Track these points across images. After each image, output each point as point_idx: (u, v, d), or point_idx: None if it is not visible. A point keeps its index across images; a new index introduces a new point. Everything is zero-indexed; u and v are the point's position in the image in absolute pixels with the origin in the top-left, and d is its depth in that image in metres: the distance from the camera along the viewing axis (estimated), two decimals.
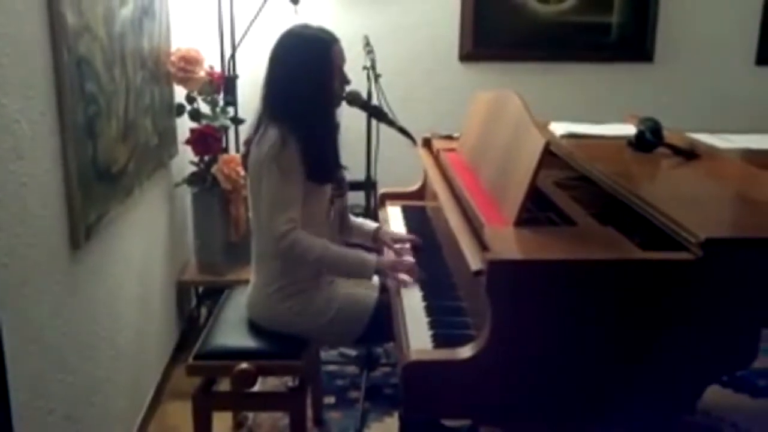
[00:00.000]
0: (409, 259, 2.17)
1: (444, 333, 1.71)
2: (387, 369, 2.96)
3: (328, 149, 2.16)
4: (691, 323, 1.52)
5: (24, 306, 1.64)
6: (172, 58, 2.91)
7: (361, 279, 2.22)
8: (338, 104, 2.21)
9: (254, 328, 2.20)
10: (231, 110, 3.22)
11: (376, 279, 2.28)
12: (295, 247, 2.03)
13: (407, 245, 2.29)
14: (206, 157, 3.10)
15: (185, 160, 3.18)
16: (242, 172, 2.85)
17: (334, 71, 2.14)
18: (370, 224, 2.43)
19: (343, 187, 2.25)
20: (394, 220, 2.58)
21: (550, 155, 1.85)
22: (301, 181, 2.06)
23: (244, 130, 2.61)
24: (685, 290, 1.50)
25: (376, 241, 2.36)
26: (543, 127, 2.18)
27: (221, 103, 3.15)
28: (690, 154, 2.26)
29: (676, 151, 2.29)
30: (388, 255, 2.26)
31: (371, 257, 2.13)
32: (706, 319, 1.53)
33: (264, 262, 2.19)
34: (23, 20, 1.65)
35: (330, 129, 2.18)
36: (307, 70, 2.08)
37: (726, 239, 1.51)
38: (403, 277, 2.04)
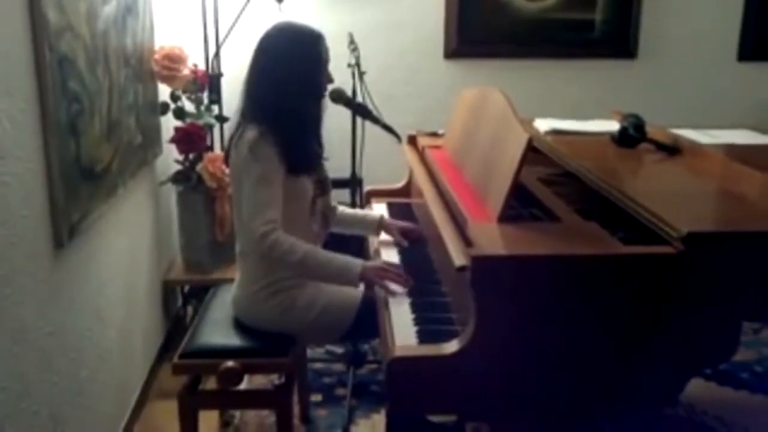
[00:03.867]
0: (396, 264, 2.12)
1: (429, 329, 1.72)
2: (374, 366, 2.96)
3: (309, 140, 2.16)
4: (673, 317, 1.54)
5: (7, 306, 1.63)
6: (156, 56, 2.89)
7: (345, 283, 2.10)
8: (320, 100, 2.21)
9: (240, 326, 2.20)
10: (215, 108, 3.21)
11: None
12: (275, 249, 1.99)
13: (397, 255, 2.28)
14: (191, 156, 3.09)
15: (170, 158, 3.17)
16: (227, 170, 2.85)
17: (322, 65, 2.15)
18: (374, 214, 2.44)
19: (325, 186, 2.25)
20: None
21: (534, 151, 1.87)
22: (280, 179, 2.05)
23: (229, 128, 2.61)
24: (667, 284, 1.52)
25: (380, 230, 2.37)
26: (526, 124, 2.19)
27: (206, 101, 3.14)
28: (673, 149, 2.28)
29: (659, 146, 2.31)
30: (375, 262, 2.17)
31: (357, 263, 2.04)
32: (687, 312, 1.54)
33: (248, 260, 2.18)
34: (3, 18, 1.64)
35: (313, 122, 2.18)
36: (296, 64, 2.07)
37: (707, 233, 1.53)
38: (393, 286, 1.95)
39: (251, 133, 2.03)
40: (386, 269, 2.02)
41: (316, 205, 2.20)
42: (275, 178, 2.03)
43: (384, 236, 2.40)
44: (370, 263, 2.09)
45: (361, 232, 2.41)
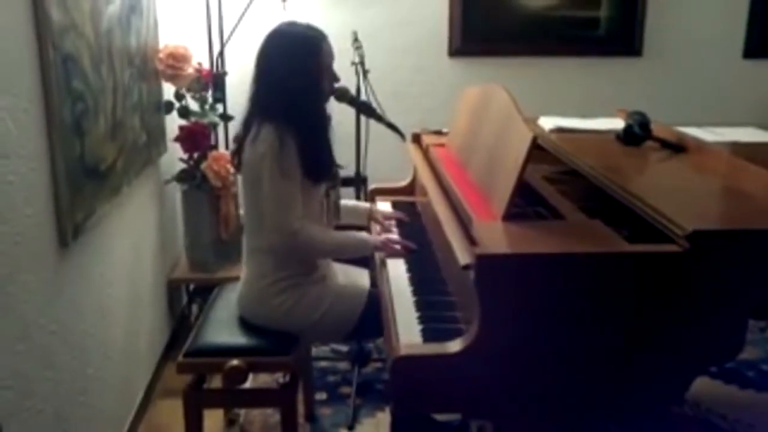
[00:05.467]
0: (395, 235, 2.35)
1: (433, 327, 1.71)
2: (378, 364, 2.96)
3: (324, 148, 2.17)
4: (678, 315, 1.53)
5: (11, 305, 1.63)
6: (160, 55, 2.89)
7: (363, 255, 2.33)
8: (326, 101, 2.21)
9: (245, 324, 2.20)
10: (220, 107, 3.21)
11: (366, 275, 2.32)
12: (306, 242, 2.08)
13: (393, 221, 2.46)
14: (195, 155, 3.09)
15: (174, 157, 3.17)
16: (232, 170, 2.85)
17: (324, 69, 2.15)
18: (363, 205, 2.54)
19: (336, 180, 2.27)
20: None
21: (538, 150, 1.86)
22: (299, 179, 2.07)
23: (234, 127, 2.61)
24: (673, 282, 1.51)
25: (371, 220, 2.48)
26: (531, 122, 2.18)
27: (210, 100, 3.14)
28: (678, 147, 2.27)
29: (664, 144, 2.30)
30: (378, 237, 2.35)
31: (366, 235, 2.29)
32: (693, 311, 1.53)
33: (256, 258, 2.18)
34: (7, 18, 1.64)
35: (322, 125, 2.18)
36: (298, 70, 2.07)
37: (713, 231, 1.52)
38: (397, 246, 2.20)
39: (269, 132, 2.04)
40: (390, 237, 2.27)
41: (329, 198, 2.23)
42: (297, 173, 2.06)
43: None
44: (374, 237, 2.32)
45: (351, 221, 2.45)
